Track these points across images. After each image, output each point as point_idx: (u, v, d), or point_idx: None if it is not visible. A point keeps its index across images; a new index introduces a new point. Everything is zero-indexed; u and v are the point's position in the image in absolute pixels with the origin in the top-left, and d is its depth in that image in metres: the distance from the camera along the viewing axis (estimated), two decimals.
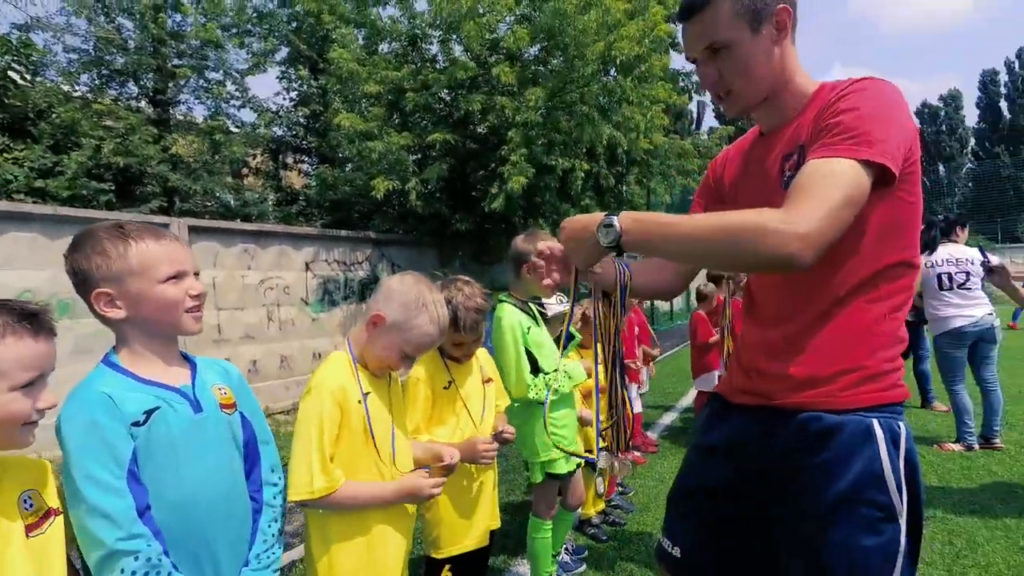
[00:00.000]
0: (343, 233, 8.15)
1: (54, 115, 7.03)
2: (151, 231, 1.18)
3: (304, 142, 11.91)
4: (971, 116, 44.09)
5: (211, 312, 6.39)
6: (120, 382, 1.12)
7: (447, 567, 1.91)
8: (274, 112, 11.11)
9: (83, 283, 1.14)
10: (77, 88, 8.47)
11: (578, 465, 2.62)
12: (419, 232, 8.86)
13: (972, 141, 43.40)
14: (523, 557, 3.04)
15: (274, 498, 1.36)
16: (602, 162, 9.19)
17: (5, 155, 6.46)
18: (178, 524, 1.12)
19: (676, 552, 1.37)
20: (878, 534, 1.10)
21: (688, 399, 7.07)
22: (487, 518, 2.03)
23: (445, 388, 1.97)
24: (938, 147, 41.88)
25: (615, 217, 1.11)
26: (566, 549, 2.96)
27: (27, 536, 1.01)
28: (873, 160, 1.02)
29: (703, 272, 2.29)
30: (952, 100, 43.32)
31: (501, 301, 2.45)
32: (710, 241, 1.03)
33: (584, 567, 2.99)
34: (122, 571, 1.02)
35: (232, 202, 9.85)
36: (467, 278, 2.03)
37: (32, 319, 1.01)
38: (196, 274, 1.23)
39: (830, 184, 1.00)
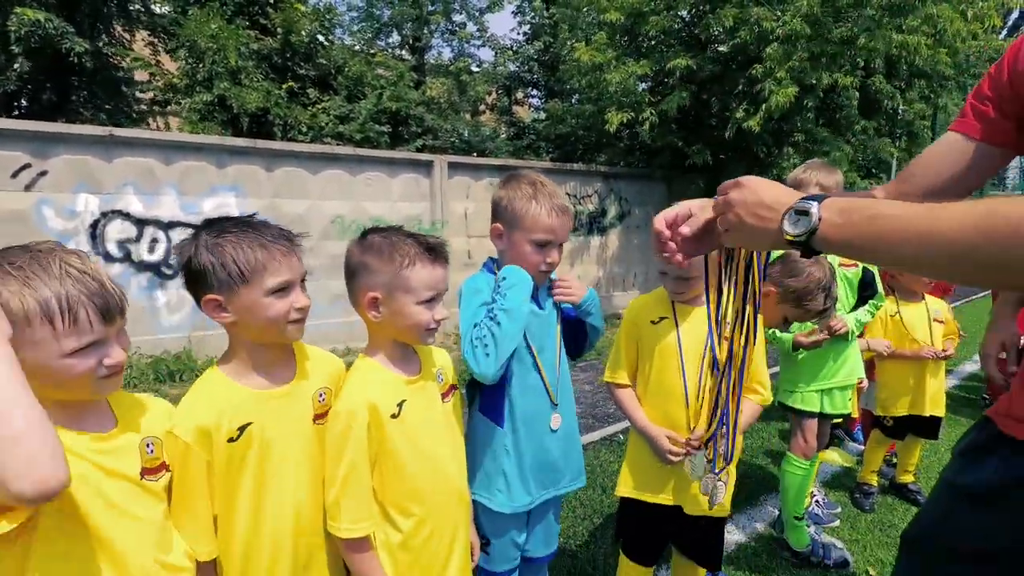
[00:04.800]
0: (574, 167, 8.42)
1: (347, 69, 8.44)
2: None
3: (534, 76, 12.33)
4: None
5: (462, 239, 7.33)
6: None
7: None
8: (509, 48, 11.62)
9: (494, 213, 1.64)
10: (356, 43, 9.95)
11: (824, 413, 2.49)
12: (650, 165, 8.69)
13: None
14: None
15: None
16: (878, 76, 7.69)
17: (317, 106, 8.02)
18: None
19: None
20: None
21: (975, 364, 5.87)
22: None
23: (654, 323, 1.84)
24: None
25: (814, 204, 0.78)
26: (816, 502, 2.89)
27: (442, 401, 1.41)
28: None
29: None
30: None
31: None
32: (978, 246, 0.63)
33: (837, 522, 2.88)
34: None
35: (469, 137, 10.83)
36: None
37: (432, 250, 1.28)
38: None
39: None
